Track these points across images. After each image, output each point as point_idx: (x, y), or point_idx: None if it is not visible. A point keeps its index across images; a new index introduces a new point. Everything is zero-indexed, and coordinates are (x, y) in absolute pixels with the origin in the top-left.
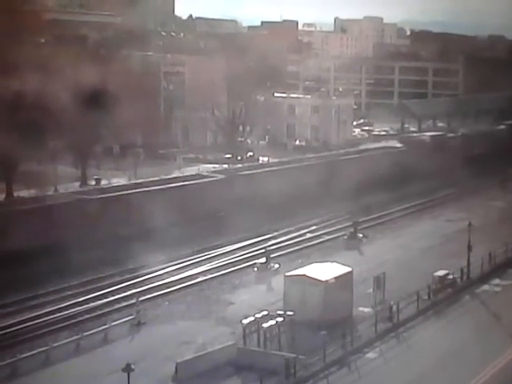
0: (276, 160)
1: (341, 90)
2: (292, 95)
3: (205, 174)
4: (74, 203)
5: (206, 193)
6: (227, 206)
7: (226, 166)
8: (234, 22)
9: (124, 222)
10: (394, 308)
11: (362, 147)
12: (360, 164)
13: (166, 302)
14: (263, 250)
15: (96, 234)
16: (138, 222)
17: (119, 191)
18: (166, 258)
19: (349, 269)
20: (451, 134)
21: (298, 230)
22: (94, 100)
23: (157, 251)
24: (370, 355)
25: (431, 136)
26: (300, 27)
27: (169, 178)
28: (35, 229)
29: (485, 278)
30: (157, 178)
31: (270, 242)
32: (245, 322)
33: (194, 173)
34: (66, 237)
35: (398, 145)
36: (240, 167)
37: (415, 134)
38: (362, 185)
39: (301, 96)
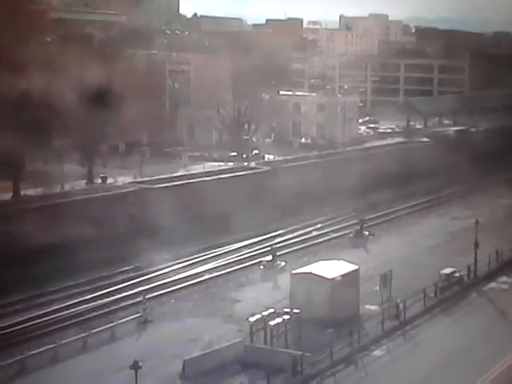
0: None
1: (346, 87)
2: (297, 93)
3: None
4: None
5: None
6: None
7: (231, 163)
8: (238, 20)
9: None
10: (401, 306)
11: (386, 142)
12: (394, 156)
13: (173, 300)
14: (269, 248)
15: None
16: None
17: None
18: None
19: (355, 266)
20: (474, 129)
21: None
22: (100, 99)
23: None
24: (377, 353)
25: (456, 130)
26: (305, 25)
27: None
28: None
29: (492, 276)
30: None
31: (277, 240)
32: (251, 319)
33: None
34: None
35: (425, 139)
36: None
37: (441, 129)
38: (401, 175)
39: (306, 94)
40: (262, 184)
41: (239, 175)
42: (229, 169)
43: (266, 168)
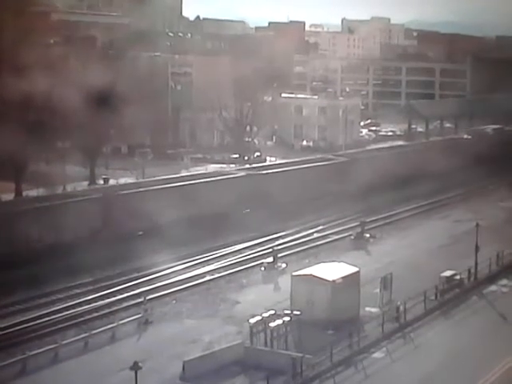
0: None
1: (348, 90)
2: (299, 96)
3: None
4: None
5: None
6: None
7: (233, 165)
8: (241, 22)
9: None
10: (401, 308)
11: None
12: (450, 149)
13: (173, 301)
14: (270, 250)
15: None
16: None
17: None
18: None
19: (356, 269)
20: (508, 128)
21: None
22: (102, 100)
23: None
24: (377, 355)
25: (493, 129)
26: (307, 28)
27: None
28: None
29: (492, 279)
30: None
31: (278, 242)
32: (252, 321)
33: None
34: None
35: (466, 136)
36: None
37: (481, 127)
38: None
39: (308, 96)
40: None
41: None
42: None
43: (344, 159)
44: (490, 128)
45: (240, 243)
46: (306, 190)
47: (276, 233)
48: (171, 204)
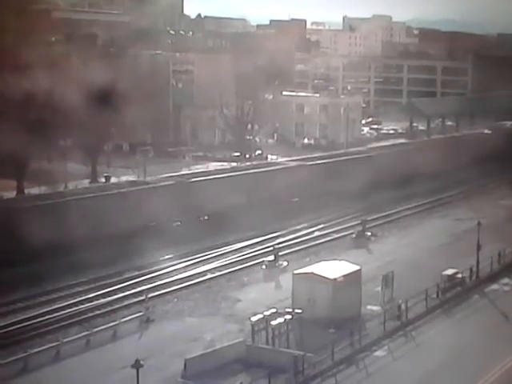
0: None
1: (349, 88)
2: (300, 94)
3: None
4: None
5: None
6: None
7: (234, 164)
8: (242, 20)
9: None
10: (403, 306)
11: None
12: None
13: (175, 299)
14: (272, 248)
15: None
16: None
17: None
18: None
19: (357, 267)
20: None
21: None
22: (104, 98)
23: None
24: (379, 353)
25: None
26: (308, 26)
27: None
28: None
29: (494, 278)
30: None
31: (279, 240)
32: (253, 319)
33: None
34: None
35: (487, 131)
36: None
37: (502, 122)
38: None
39: (309, 95)
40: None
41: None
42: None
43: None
44: (510, 123)
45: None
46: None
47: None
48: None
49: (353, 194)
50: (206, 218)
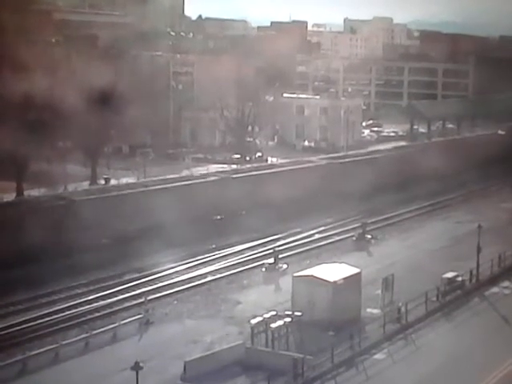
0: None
1: (350, 90)
2: (301, 96)
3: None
4: None
5: None
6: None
7: (234, 166)
8: (243, 22)
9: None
10: (403, 309)
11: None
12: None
13: (175, 301)
14: (272, 250)
15: None
16: None
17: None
18: None
19: (357, 270)
20: None
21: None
22: (104, 100)
23: None
24: (378, 356)
25: None
26: (309, 28)
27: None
28: None
29: (494, 281)
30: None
31: (279, 243)
32: (253, 321)
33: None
34: None
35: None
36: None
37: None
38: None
39: (310, 96)
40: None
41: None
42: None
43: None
44: None
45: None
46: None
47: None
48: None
49: (357, 195)
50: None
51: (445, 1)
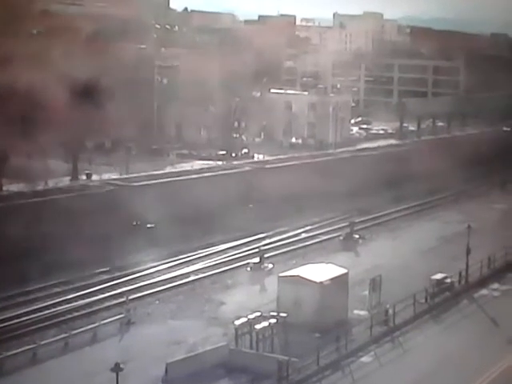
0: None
1: (339, 86)
2: (289, 91)
3: None
4: None
5: None
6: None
7: (219, 162)
8: (230, 15)
9: None
10: (390, 311)
11: None
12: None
13: (157, 301)
14: (257, 250)
15: None
16: None
17: None
18: None
19: (344, 270)
20: None
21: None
22: (86, 93)
23: None
24: (365, 359)
25: None
26: (298, 22)
27: None
28: None
29: (483, 282)
30: None
31: (264, 242)
32: (237, 322)
33: None
34: None
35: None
36: None
37: None
38: None
39: (298, 92)
40: None
41: None
42: None
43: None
44: None
45: None
46: None
47: None
48: None
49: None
50: None
51: None
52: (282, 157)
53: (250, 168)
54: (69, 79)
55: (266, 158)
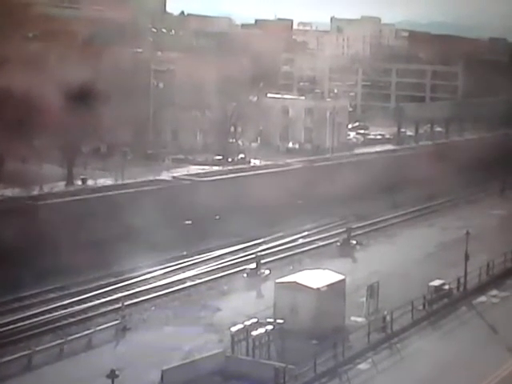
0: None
1: (336, 91)
2: (285, 96)
3: None
4: None
5: None
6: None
7: (216, 167)
8: (226, 19)
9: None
10: (388, 318)
11: None
12: None
13: (153, 307)
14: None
15: None
16: None
17: None
18: None
19: (341, 276)
20: None
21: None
22: (82, 97)
23: None
24: (362, 366)
25: None
26: (295, 26)
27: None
28: None
29: (482, 289)
30: None
31: (261, 248)
32: (233, 329)
33: None
34: None
35: None
36: None
37: None
38: None
39: (294, 97)
40: None
41: None
42: None
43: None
44: None
45: None
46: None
47: None
48: None
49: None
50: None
51: (434, 2)
52: (279, 162)
53: (245, 174)
54: (64, 83)
55: (263, 162)
